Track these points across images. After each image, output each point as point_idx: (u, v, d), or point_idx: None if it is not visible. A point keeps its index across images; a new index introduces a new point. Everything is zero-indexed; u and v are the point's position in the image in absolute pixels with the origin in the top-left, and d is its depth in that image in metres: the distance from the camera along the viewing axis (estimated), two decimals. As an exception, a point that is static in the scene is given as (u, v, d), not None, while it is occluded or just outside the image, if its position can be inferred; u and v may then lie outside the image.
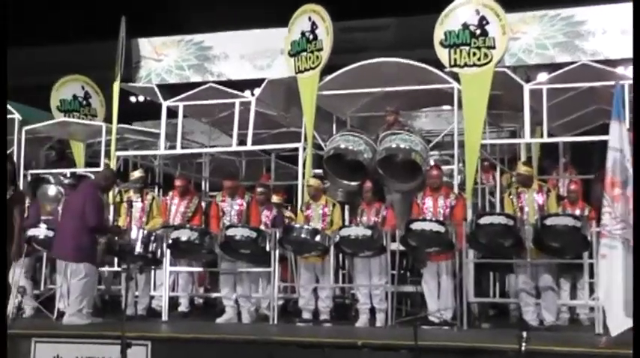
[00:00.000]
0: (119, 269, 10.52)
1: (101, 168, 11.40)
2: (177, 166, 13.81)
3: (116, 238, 9.77)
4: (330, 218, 10.06)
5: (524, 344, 6.33)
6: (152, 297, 10.79)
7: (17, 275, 10.06)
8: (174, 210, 10.85)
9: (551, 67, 11.90)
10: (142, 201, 10.69)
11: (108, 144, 11.85)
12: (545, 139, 10.58)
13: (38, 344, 8.25)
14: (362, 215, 10.01)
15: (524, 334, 6.38)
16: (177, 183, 11.02)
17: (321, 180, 10.44)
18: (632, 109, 9.14)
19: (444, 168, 10.79)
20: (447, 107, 11.97)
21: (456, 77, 10.37)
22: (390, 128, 10.77)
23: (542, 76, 11.76)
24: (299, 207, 10.48)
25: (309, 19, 10.91)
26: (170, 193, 11.08)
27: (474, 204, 10.45)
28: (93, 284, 9.61)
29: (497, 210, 10.60)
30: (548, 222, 9.06)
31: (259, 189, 11.05)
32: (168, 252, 10.18)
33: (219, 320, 10.07)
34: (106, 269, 10.63)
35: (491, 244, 9.25)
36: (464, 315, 9.28)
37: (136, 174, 10.99)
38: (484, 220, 9.24)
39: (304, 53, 10.94)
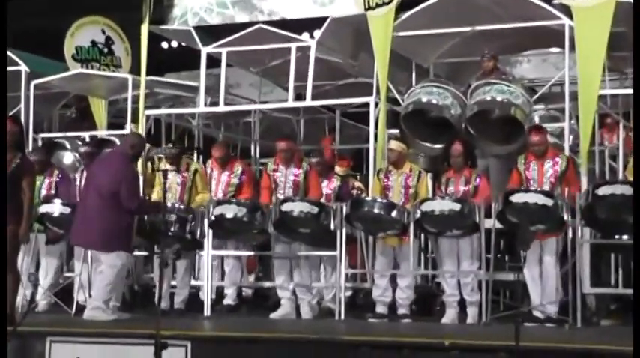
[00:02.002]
0: (147, 253, 10.61)
1: (127, 131, 11.51)
2: (221, 127, 13.90)
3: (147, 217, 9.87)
4: (415, 190, 10.01)
5: (654, 345, 6.26)
6: (193, 288, 10.90)
7: (27, 262, 10.28)
8: (214, 183, 10.87)
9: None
10: (179, 171, 10.65)
11: (135, 100, 11.96)
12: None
13: (54, 343, 8.35)
14: (448, 185, 9.97)
15: (655, 333, 6.31)
16: (215, 153, 10.93)
17: (406, 144, 10.36)
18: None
19: (553, 126, 10.69)
20: (555, 49, 11.85)
21: (567, 11, 10.24)
22: (485, 77, 10.68)
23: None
24: (372, 174, 10.46)
25: (381, -59, 10.88)
26: (209, 162, 11.08)
27: (590, 170, 10.33)
28: (125, 273, 9.73)
29: (620, 177, 10.46)
30: (686, 192, 8.94)
31: (314, 159, 10.88)
32: (210, 232, 10.27)
33: (273, 316, 10.16)
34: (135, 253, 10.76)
35: (613, 220, 9.19)
36: (577, 310, 9.22)
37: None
38: (603, 190, 9.17)
39: (376, -16, 10.93)
